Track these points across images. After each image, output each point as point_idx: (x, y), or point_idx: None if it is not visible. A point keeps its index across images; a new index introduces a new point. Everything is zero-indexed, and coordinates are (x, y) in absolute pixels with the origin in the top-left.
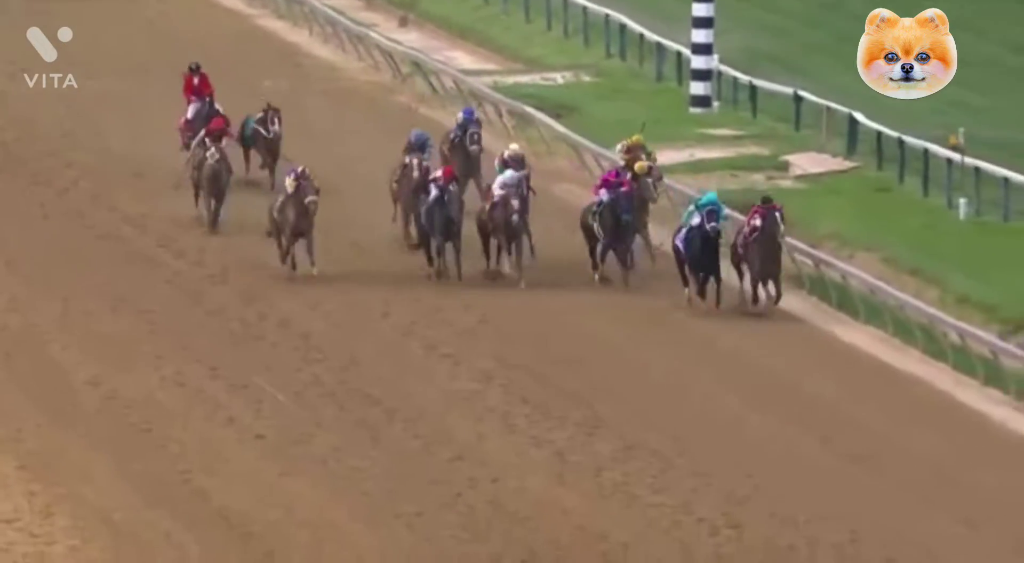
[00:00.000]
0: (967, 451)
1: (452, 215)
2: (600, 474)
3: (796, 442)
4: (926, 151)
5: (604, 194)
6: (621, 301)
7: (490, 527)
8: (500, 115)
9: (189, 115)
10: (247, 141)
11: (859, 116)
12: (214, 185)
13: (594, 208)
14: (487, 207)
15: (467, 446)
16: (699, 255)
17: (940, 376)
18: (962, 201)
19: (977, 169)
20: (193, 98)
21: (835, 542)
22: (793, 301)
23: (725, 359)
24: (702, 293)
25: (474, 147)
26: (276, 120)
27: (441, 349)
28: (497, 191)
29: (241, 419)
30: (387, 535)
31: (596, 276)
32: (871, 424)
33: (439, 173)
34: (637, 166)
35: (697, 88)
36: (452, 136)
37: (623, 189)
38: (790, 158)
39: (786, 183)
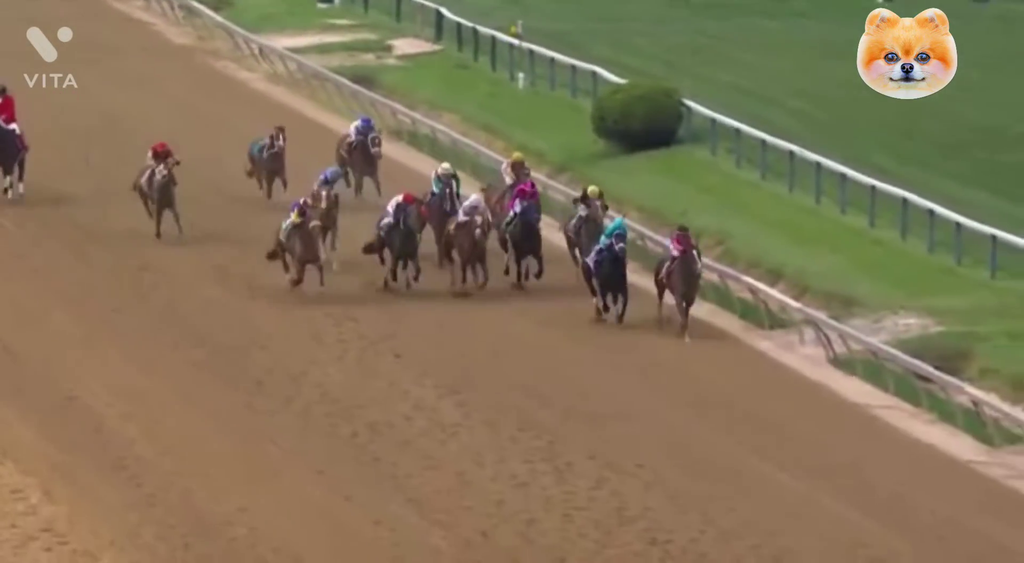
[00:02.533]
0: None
1: (411, 233)
2: (253, 281)
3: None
4: (493, 38)
5: (518, 206)
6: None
7: (170, 322)
8: (172, 8)
9: None
10: (256, 162)
11: (444, 11)
12: (163, 196)
13: (507, 220)
14: (452, 229)
15: (153, 262)
16: (609, 274)
17: None
18: (520, 75)
19: (531, 51)
20: None
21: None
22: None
23: None
24: (607, 307)
25: (375, 149)
26: (281, 137)
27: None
28: (462, 215)
29: None
30: (91, 323)
31: (517, 282)
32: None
33: (400, 197)
34: (589, 190)
35: None
36: (351, 141)
37: (533, 199)
38: (393, 42)
39: (390, 61)
